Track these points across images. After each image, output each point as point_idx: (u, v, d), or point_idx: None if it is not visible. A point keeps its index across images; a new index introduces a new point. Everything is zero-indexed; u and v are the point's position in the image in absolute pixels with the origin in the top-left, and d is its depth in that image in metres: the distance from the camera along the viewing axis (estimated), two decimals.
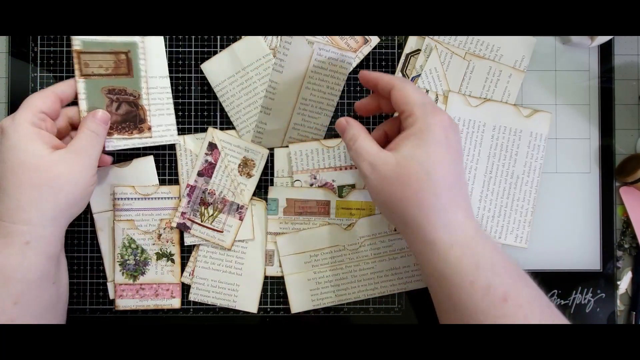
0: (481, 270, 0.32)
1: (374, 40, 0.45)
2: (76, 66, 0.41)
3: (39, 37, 0.45)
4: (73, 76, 0.41)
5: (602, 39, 0.44)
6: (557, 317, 0.33)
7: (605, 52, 0.46)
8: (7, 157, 0.35)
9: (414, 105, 0.34)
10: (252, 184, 0.45)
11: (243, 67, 0.44)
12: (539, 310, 0.33)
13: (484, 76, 0.45)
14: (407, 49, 0.46)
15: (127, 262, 0.45)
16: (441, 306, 0.35)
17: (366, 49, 0.45)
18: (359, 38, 0.44)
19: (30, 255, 0.35)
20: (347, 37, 0.44)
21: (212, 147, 0.45)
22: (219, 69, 0.45)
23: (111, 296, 0.45)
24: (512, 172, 0.45)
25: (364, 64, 0.45)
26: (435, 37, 0.45)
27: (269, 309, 0.46)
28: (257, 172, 0.45)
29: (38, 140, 0.36)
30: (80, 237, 0.45)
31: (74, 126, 0.41)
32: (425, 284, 0.38)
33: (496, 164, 0.45)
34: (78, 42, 0.41)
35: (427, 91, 0.45)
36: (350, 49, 0.44)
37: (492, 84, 0.45)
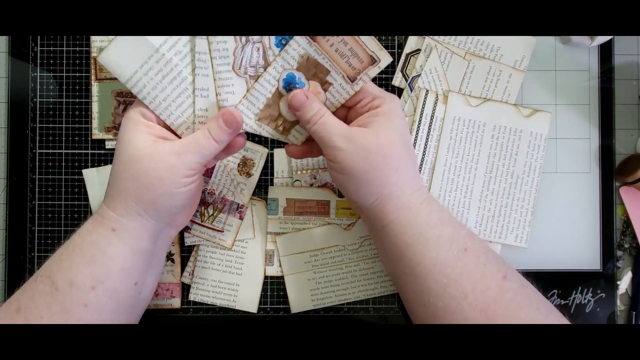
0: (445, 225, 0.36)
1: (385, 60, 0.36)
2: (92, 71, 0.44)
3: (39, 37, 0.45)
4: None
5: (602, 39, 0.44)
6: (505, 267, 0.36)
7: (605, 52, 0.46)
8: (117, 146, 0.35)
9: (376, 94, 0.37)
10: (251, 183, 0.45)
11: (155, 48, 0.35)
12: (493, 259, 0.36)
13: (484, 76, 0.45)
14: (407, 49, 0.46)
15: None
16: (405, 271, 0.36)
17: (373, 71, 0.36)
18: (363, 57, 0.36)
19: (116, 242, 0.34)
20: (350, 56, 0.36)
21: None
22: (124, 58, 0.35)
23: None
24: (512, 172, 0.45)
25: None
26: (435, 37, 0.45)
27: (269, 309, 0.46)
28: (256, 172, 0.45)
29: (142, 133, 0.35)
30: None
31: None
32: (385, 263, 0.40)
33: (496, 164, 0.45)
34: (95, 49, 0.44)
35: (427, 91, 0.45)
36: (354, 70, 0.37)
37: (492, 83, 0.45)
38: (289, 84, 0.37)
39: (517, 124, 0.45)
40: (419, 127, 0.45)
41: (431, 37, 0.45)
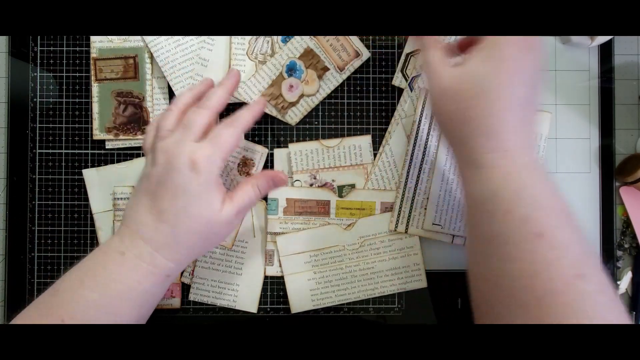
0: (521, 201, 0.31)
1: (365, 54, 0.45)
2: (92, 72, 0.44)
3: (39, 37, 0.45)
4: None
5: (602, 39, 0.44)
6: (589, 268, 0.30)
7: (605, 52, 0.46)
8: (186, 190, 0.34)
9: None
10: None
11: None
12: (574, 256, 0.30)
13: None
14: (407, 49, 0.45)
15: None
16: (473, 232, 0.34)
17: (357, 63, 0.45)
18: (351, 51, 0.44)
19: (166, 285, 0.37)
20: (340, 50, 0.44)
21: None
22: None
23: None
24: None
25: (358, 72, 0.45)
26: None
27: (269, 309, 0.46)
28: (256, 172, 0.45)
29: (217, 193, 0.35)
30: (80, 237, 0.45)
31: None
32: (463, 208, 0.37)
33: None
34: (95, 49, 0.44)
35: (427, 91, 0.45)
36: (342, 62, 0.45)
37: None
38: (290, 70, 0.44)
39: None
40: (418, 127, 0.45)
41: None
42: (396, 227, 0.45)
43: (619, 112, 0.46)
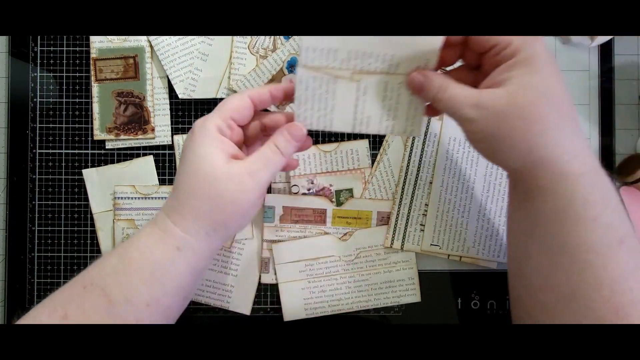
0: (607, 206, 0.30)
1: None
2: (92, 72, 0.44)
3: (39, 37, 0.45)
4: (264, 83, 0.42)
5: (602, 39, 0.44)
6: None
7: (605, 52, 0.46)
8: (187, 156, 0.34)
9: (511, 39, 0.31)
10: None
11: None
12: None
13: None
14: None
15: None
16: (542, 244, 0.32)
17: None
18: None
19: (178, 263, 0.33)
20: None
21: None
22: None
23: None
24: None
25: None
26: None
27: (266, 309, 0.45)
28: None
29: (218, 149, 0.33)
30: (80, 236, 0.45)
31: (267, 132, 0.38)
32: (513, 235, 0.35)
33: (493, 183, 0.45)
34: (95, 50, 0.44)
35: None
36: None
37: None
38: (291, 66, 0.44)
39: None
40: (413, 142, 0.45)
41: None
42: (392, 244, 0.45)
43: (619, 112, 0.46)
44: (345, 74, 0.34)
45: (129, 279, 0.33)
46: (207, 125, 0.34)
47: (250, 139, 0.38)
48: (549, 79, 0.30)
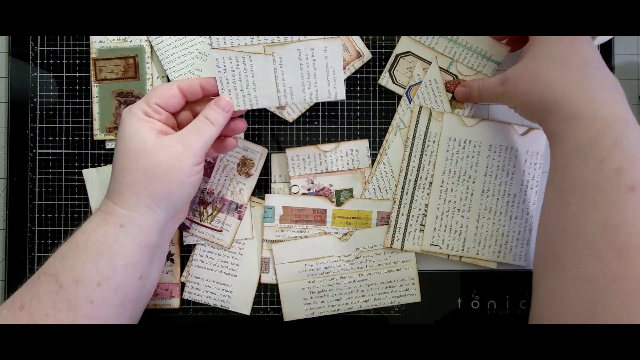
0: (617, 151, 0.31)
1: (367, 55, 0.45)
2: (92, 72, 0.44)
3: (39, 37, 0.45)
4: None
5: (602, 39, 0.44)
6: None
7: (605, 52, 0.46)
8: (119, 142, 0.36)
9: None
10: (251, 183, 0.45)
11: None
12: None
13: None
14: (398, 50, 0.45)
15: None
16: (557, 184, 0.34)
17: (358, 63, 0.45)
18: (352, 51, 0.44)
19: (123, 239, 0.35)
20: (343, 50, 0.43)
21: None
22: None
23: None
24: (509, 190, 0.45)
25: (359, 73, 0.45)
26: (436, 48, 0.45)
27: (266, 310, 0.45)
28: (255, 172, 0.45)
29: (145, 128, 0.35)
30: None
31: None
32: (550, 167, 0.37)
33: (493, 183, 0.45)
34: (94, 50, 0.44)
35: (421, 107, 0.45)
36: (343, 62, 0.43)
37: None
38: None
39: (513, 142, 0.45)
40: (412, 142, 0.45)
41: (431, 48, 0.45)
42: (392, 244, 0.45)
43: None
44: (258, 49, 0.36)
45: (75, 261, 0.34)
46: (133, 110, 0.36)
47: (182, 127, 0.38)
48: (566, 40, 0.35)
